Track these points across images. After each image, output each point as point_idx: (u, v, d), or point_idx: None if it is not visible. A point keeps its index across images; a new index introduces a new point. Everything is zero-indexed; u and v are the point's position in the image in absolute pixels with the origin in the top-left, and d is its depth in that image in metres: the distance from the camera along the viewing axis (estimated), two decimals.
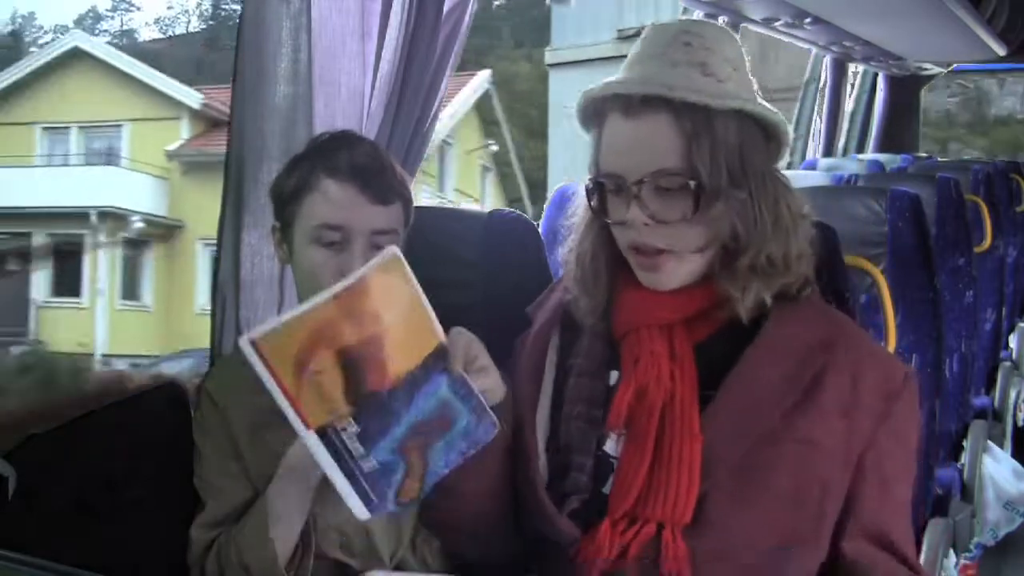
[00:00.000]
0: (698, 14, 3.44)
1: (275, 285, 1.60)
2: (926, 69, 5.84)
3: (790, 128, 1.17)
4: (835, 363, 1.13)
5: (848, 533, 1.12)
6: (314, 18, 1.56)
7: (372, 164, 1.34)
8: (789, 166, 4.89)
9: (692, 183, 1.10)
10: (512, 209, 1.66)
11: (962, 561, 2.39)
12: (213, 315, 1.58)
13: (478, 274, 1.60)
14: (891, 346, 1.83)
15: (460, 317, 1.58)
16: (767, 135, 1.15)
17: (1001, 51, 4.89)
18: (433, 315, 1.04)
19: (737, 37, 1.20)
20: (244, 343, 0.99)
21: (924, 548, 2.03)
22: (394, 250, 1.01)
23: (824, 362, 1.13)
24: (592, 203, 1.18)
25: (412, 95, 1.71)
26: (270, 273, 1.59)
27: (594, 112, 1.17)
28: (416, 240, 1.40)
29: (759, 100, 1.16)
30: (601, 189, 1.17)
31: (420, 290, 1.02)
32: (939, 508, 2.25)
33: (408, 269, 1.02)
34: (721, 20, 3.51)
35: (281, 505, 1.32)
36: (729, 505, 1.08)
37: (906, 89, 6.07)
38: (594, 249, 1.22)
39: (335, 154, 1.34)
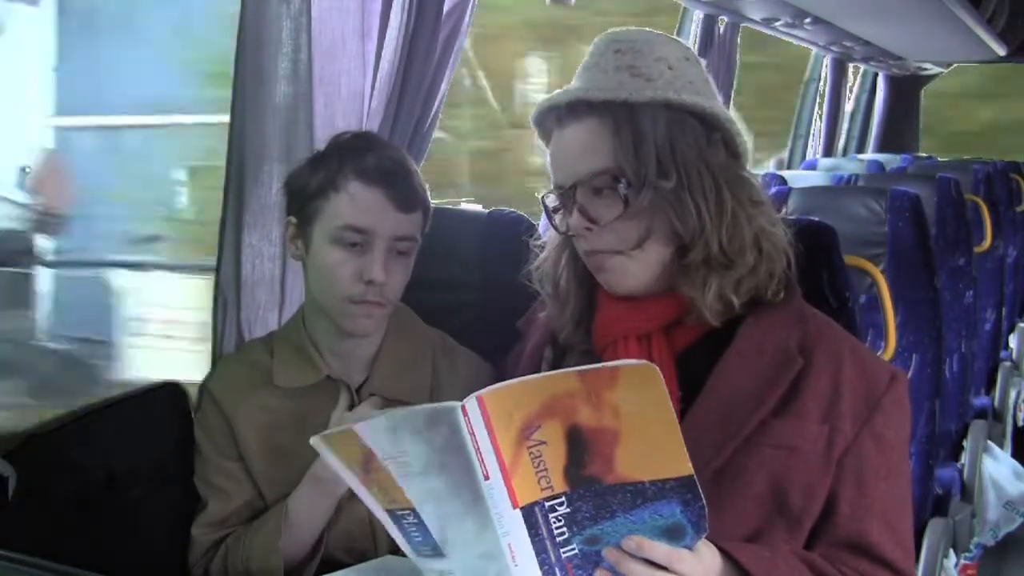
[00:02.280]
0: (698, 14, 3.44)
1: (276, 286, 1.60)
2: (926, 69, 5.85)
3: (732, 116, 1.17)
4: (814, 367, 1.12)
5: (822, 539, 1.11)
6: (314, 18, 1.55)
7: (399, 169, 1.34)
8: (789, 166, 4.90)
9: (620, 180, 1.12)
10: (512, 209, 1.66)
11: (962, 561, 2.39)
12: (214, 315, 1.58)
13: (478, 273, 1.61)
14: (891, 346, 1.84)
15: (460, 316, 1.59)
16: (707, 127, 1.15)
17: (1001, 51, 4.90)
18: (683, 445, 0.92)
19: (681, 41, 1.21)
20: (470, 402, 0.88)
21: (924, 548, 2.03)
22: (652, 366, 0.91)
23: (803, 366, 1.12)
24: (553, 219, 1.20)
25: (412, 95, 1.71)
26: (271, 274, 1.59)
27: (545, 131, 1.20)
28: None
29: (705, 94, 1.16)
30: (556, 203, 1.19)
31: (673, 413, 0.92)
32: (939, 508, 2.25)
33: (664, 387, 0.91)
34: (721, 20, 3.51)
35: (304, 514, 1.33)
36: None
37: (906, 89, 6.08)
38: (566, 265, 1.23)
39: (363, 156, 1.33)
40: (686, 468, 0.92)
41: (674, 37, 1.22)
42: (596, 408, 0.90)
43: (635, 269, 1.15)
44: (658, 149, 1.12)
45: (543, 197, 1.20)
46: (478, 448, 0.88)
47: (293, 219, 1.38)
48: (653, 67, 1.15)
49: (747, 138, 1.19)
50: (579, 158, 1.14)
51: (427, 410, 0.91)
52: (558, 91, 1.17)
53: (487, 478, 0.88)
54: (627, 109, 1.12)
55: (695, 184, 1.12)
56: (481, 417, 0.88)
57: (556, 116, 1.17)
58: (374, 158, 1.33)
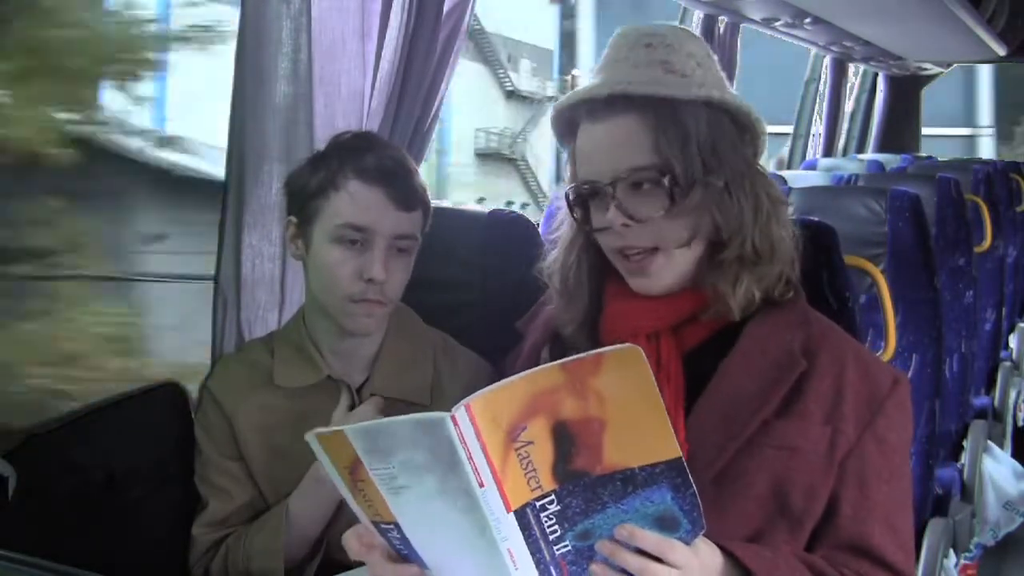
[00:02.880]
0: (698, 14, 3.44)
1: (276, 286, 1.60)
2: (926, 69, 5.85)
3: (761, 116, 1.17)
4: (817, 369, 1.12)
5: (824, 541, 1.11)
6: (314, 18, 1.55)
7: (399, 168, 1.35)
8: (789, 166, 4.90)
9: (665, 176, 1.11)
10: (512, 209, 1.66)
11: (962, 561, 2.39)
12: (214, 315, 1.58)
13: (478, 274, 1.60)
14: (891, 346, 1.83)
15: (460, 316, 1.59)
16: (739, 126, 1.15)
17: (1001, 51, 4.90)
18: (671, 427, 0.92)
19: (699, 36, 1.21)
20: (459, 411, 0.87)
21: (924, 548, 2.03)
22: (636, 347, 0.90)
23: (806, 368, 1.12)
24: (574, 214, 1.19)
25: (412, 95, 1.71)
26: (271, 273, 1.59)
27: (567, 124, 1.19)
28: None
29: (729, 91, 1.16)
30: (581, 198, 1.17)
31: (659, 395, 0.91)
32: (939, 508, 2.25)
33: (648, 369, 0.90)
34: (721, 20, 3.51)
35: (305, 514, 1.34)
36: (706, 509, 1.07)
37: (906, 89, 6.08)
38: (578, 260, 1.22)
39: (363, 155, 1.34)
40: (674, 450, 0.92)
41: (693, 32, 1.22)
42: (581, 398, 0.90)
43: (675, 267, 1.14)
44: (700, 147, 1.11)
45: (565, 192, 1.19)
46: (471, 457, 0.87)
47: (293, 219, 1.38)
48: (685, 63, 1.14)
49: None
50: (619, 153, 1.13)
51: (415, 420, 0.90)
52: (591, 84, 1.15)
53: (482, 486, 0.88)
54: (669, 106, 1.11)
55: (737, 182, 1.13)
56: (471, 425, 0.87)
57: (588, 109, 1.15)
58: (374, 157, 1.33)
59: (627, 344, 0.91)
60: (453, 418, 0.86)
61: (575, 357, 0.90)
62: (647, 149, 1.11)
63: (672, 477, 0.92)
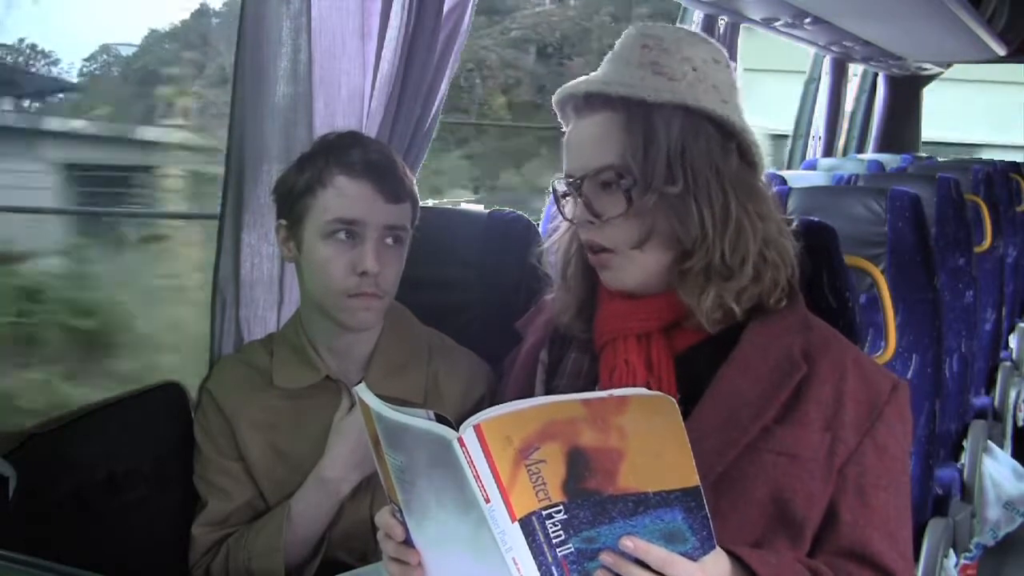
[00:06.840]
0: (698, 14, 3.44)
1: (275, 285, 1.60)
2: (926, 69, 5.85)
3: (748, 126, 1.15)
4: (817, 375, 1.12)
5: (824, 547, 1.10)
6: (314, 18, 1.55)
7: (384, 162, 1.35)
8: (789, 166, 4.90)
9: (623, 178, 1.11)
10: (512, 209, 1.66)
11: (962, 561, 2.39)
12: (212, 315, 1.58)
13: (478, 273, 1.60)
14: (891, 346, 1.83)
15: (460, 316, 1.59)
16: (725, 134, 1.13)
17: (1001, 51, 4.90)
18: (693, 461, 0.91)
19: (713, 42, 1.19)
20: (467, 432, 0.86)
21: (924, 548, 2.03)
22: (668, 397, 0.89)
23: (806, 374, 1.11)
24: (559, 204, 1.20)
25: (412, 95, 1.71)
26: (270, 273, 1.59)
27: (565, 117, 1.20)
28: (416, 239, 1.40)
29: (729, 101, 1.14)
30: (564, 190, 1.19)
31: (687, 438, 0.90)
32: (939, 508, 2.25)
33: (679, 416, 0.89)
34: (721, 20, 3.51)
35: (307, 514, 1.34)
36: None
37: (906, 89, 6.08)
38: (572, 250, 1.23)
39: (347, 151, 1.35)
40: (693, 480, 0.91)
41: (706, 37, 1.20)
42: (601, 431, 0.89)
43: (633, 269, 1.14)
44: (669, 152, 1.10)
45: (553, 182, 1.20)
46: (477, 475, 0.87)
47: (283, 221, 1.38)
48: (677, 67, 1.13)
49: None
50: (590, 150, 1.14)
51: (424, 429, 0.90)
52: (579, 79, 1.16)
53: (488, 501, 0.88)
54: (643, 108, 1.11)
55: (702, 191, 1.11)
56: (479, 444, 0.87)
57: (574, 105, 1.16)
58: (359, 153, 1.34)
59: (659, 393, 0.90)
60: (460, 440, 0.86)
61: (597, 395, 0.89)
62: (614, 149, 1.12)
63: (687, 501, 0.92)
